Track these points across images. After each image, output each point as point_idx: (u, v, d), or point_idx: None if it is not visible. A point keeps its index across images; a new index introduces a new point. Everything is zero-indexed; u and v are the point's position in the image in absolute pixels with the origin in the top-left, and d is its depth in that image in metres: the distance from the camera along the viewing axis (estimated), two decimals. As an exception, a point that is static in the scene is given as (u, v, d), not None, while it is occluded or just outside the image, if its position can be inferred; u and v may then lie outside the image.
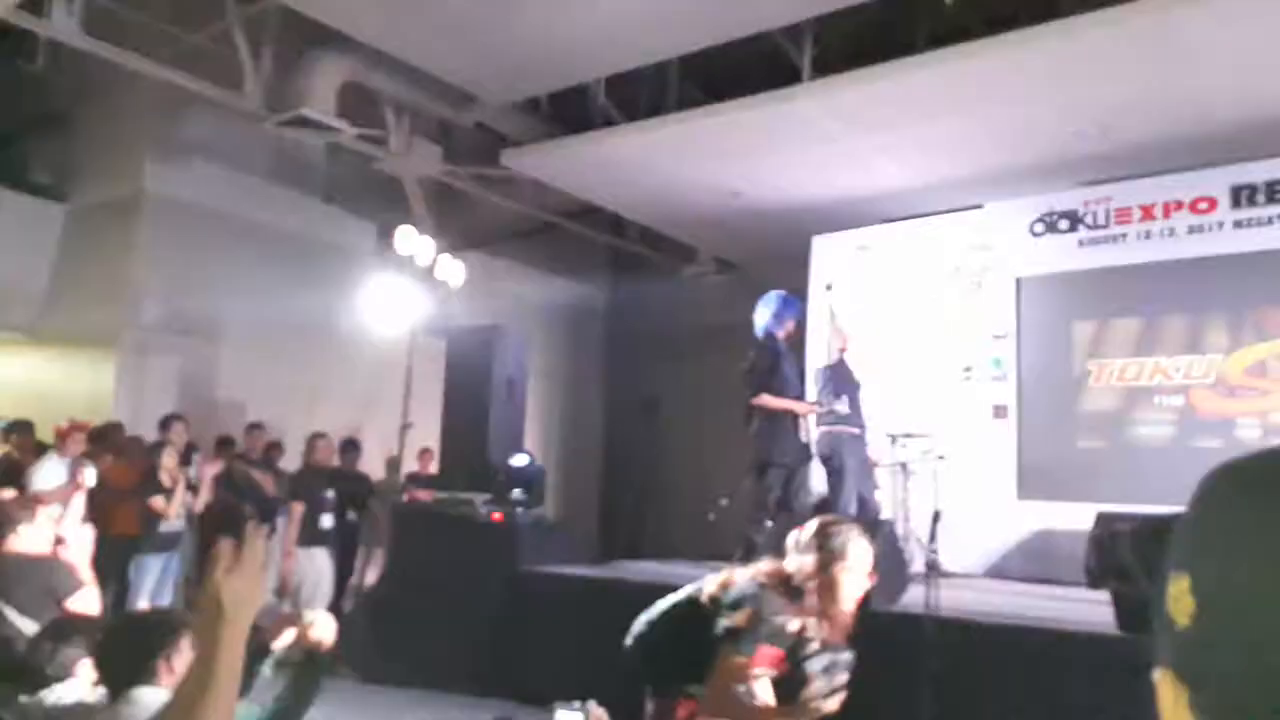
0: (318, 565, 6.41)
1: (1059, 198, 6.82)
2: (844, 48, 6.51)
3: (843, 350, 6.05)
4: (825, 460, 5.67)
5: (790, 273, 8.48)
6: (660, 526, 10.43)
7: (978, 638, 4.01)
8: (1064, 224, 6.81)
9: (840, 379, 5.82)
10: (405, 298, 6.95)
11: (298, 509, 6.38)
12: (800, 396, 5.71)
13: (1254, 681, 0.36)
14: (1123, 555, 3.68)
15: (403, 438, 7.11)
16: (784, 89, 6.48)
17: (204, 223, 8.07)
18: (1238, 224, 6.16)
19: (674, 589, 5.33)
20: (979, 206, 7.14)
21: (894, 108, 6.33)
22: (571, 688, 2.76)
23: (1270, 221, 6.07)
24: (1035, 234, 6.90)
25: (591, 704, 1.99)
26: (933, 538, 4.26)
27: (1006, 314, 6.94)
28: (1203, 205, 6.28)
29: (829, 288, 7.60)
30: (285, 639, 2.28)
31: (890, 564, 4.51)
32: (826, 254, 8.06)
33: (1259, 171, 6.13)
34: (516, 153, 7.78)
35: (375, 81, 7.35)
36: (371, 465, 7.92)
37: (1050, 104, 6.06)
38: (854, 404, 5.75)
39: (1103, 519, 5.43)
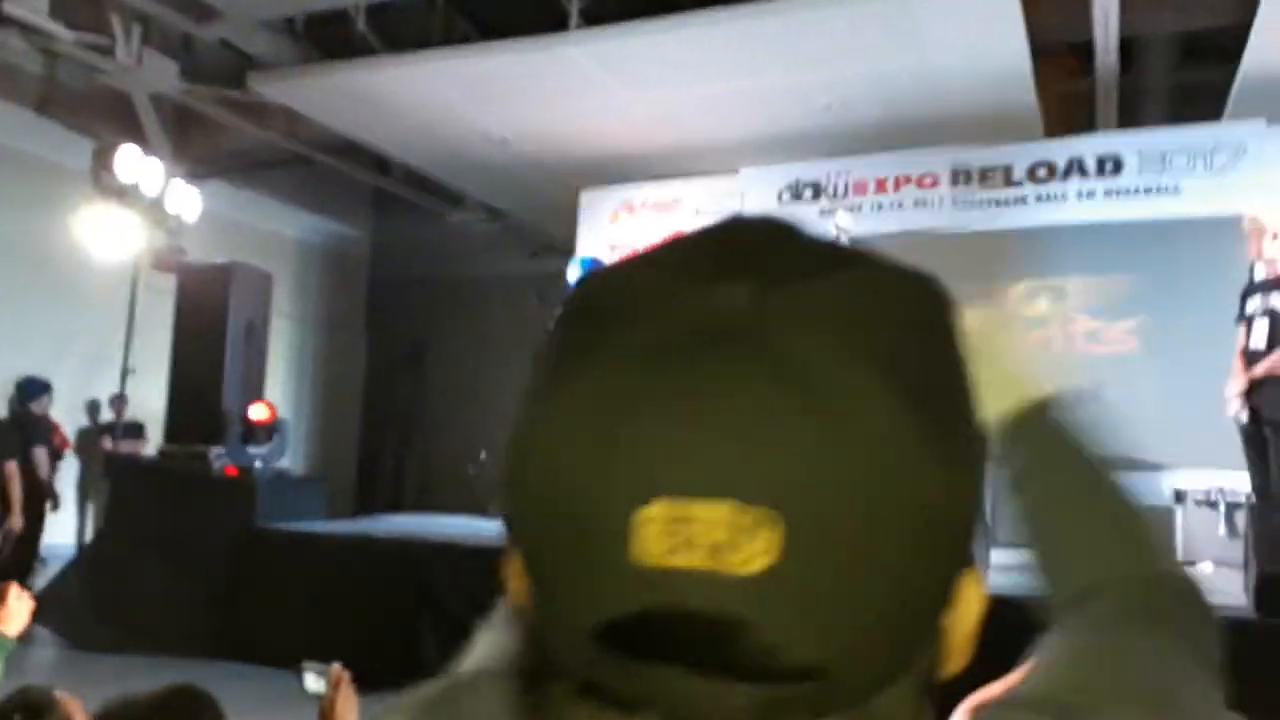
0: None
1: (806, 168, 7.24)
2: (617, 1, 6.50)
3: None
4: None
5: (561, 224, 8.49)
6: (423, 480, 10.24)
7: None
8: (809, 193, 7.25)
9: None
10: (127, 227, 6.28)
11: None
12: None
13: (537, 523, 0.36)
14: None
15: (124, 383, 6.48)
16: (553, 35, 6.40)
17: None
18: (955, 202, 6.81)
19: (428, 545, 5.27)
20: (735, 171, 7.43)
21: (661, 65, 6.42)
22: (310, 647, 2.64)
23: (983, 203, 6.76)
24: (783, 201, 7.29)
25: (335, 666, 1.93)
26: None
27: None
28: (927, 181, 6.89)
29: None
30: None
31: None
32: (594, 208, 8.13)
33: (975, 157, 6.79)
34: (265, 76, 7.20)
35: (99, -18, 6.52)
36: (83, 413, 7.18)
37: (801, 76, 6.36)
38: None
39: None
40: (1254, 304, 4.58)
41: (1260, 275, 4.62)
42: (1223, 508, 5.13)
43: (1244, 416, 4.53)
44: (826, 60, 6.12)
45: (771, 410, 0.32)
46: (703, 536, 0.31)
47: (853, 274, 0.37)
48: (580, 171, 7.90)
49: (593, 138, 7.49)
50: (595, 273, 0.40)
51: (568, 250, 8.20)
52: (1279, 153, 6.07)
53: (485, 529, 5.59)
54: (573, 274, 5.99)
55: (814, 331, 0.33)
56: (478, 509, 7.07)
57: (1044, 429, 0.64)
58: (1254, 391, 4.49)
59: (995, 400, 0.63)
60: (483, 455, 6.44)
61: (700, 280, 0.35)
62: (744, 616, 0.31)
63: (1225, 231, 6.15)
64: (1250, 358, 4.52)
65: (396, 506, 9.33)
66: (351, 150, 8.57)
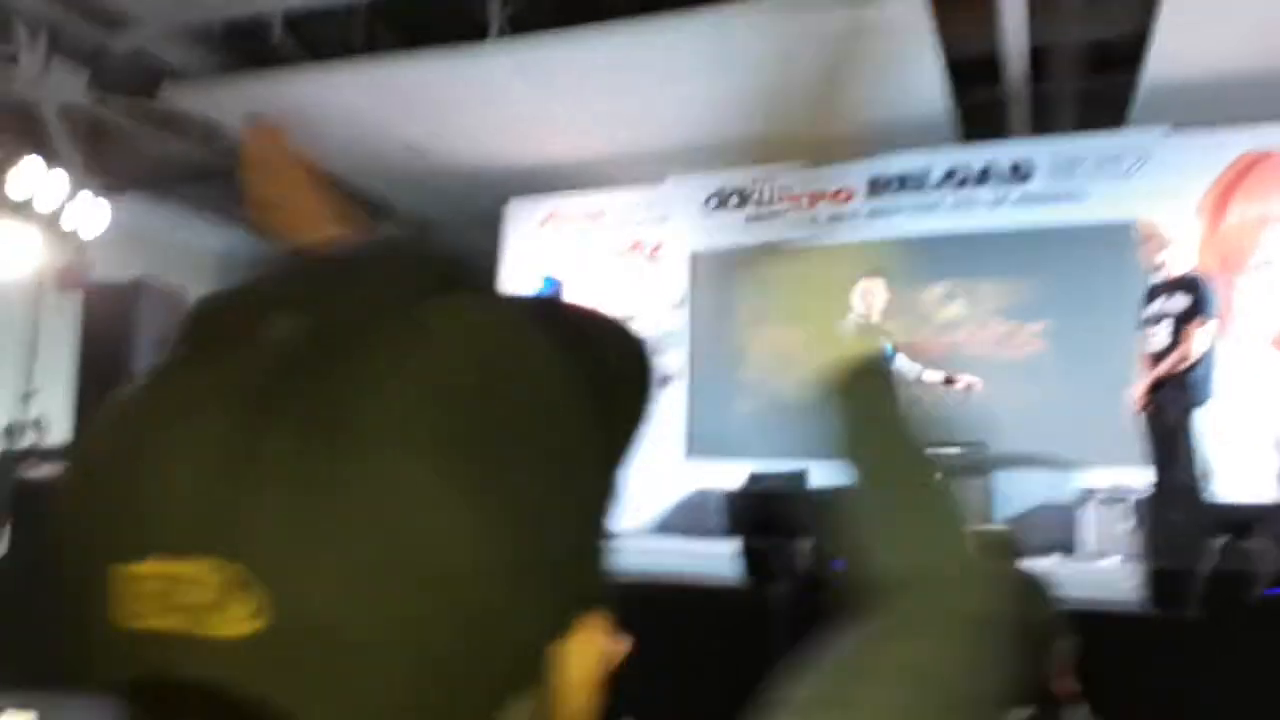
0: None
1: (732, 176, 7.29)
2: (540, 10, 6.49)
3: None
4: None
5: (488, 236, 8.43)
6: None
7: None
8: (735, 200, 7.30)
9: None
10: (27, 243, 6.07)
11: None
12: None
13: None
14: (741, 511, 4.03)
15: (25, 406, 6.25)
16: (475, 44, 6.36)
17: None
18: (872, 213, 6.92)
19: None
20: (662, 180, 7.46)
21: (584, 75, 6.42)
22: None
23: (900, 210, 6.88)
24: (709, 209, 7.34)
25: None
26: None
27: (682, 285, 7.35)
28: (843, 194, 6.99)
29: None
30: None
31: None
32: (521, 219, 8.10)
33: (892, 165, 6.90)
34: (180, 87, 7.04)
35: (2, -11, 6.30)
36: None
37: (725, 85, 6.40)
38: None
39: (754, 478, 5.92)
40: (1154, 307, 4.71)
41: (1157, 279, 4.76)
42: (1128, 504, 5.26)
43: (1148, 416, 4.65)
44: (749, 70, 6.16)
45: (271, 463, 0.29)
46: (184, 597, 0.29)
47: (445, 309, 0.34)
48: (506, 182, 7.87)
49: (517, 147, 7.46)
50: (208, 295, 0.37)
51: (494, 261, 8.18)
52: (1179, 159, 6.29)
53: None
54: (534, 289, 6.02)
55: (350, 375, 0.31)
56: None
57: (865, 392, 0.59)
58: (1156, 392, 4.62)
59: (815, 354, 0.60)
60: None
61: (266, 313, 0.33)
62: (229, 682, 0.29)
63: (1129, 237, 6.36)
64: (1153, 360, 4.65)
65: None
66: (273, 161, 8.39)
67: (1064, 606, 2.61)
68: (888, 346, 5.49)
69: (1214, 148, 6.28)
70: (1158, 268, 4.71)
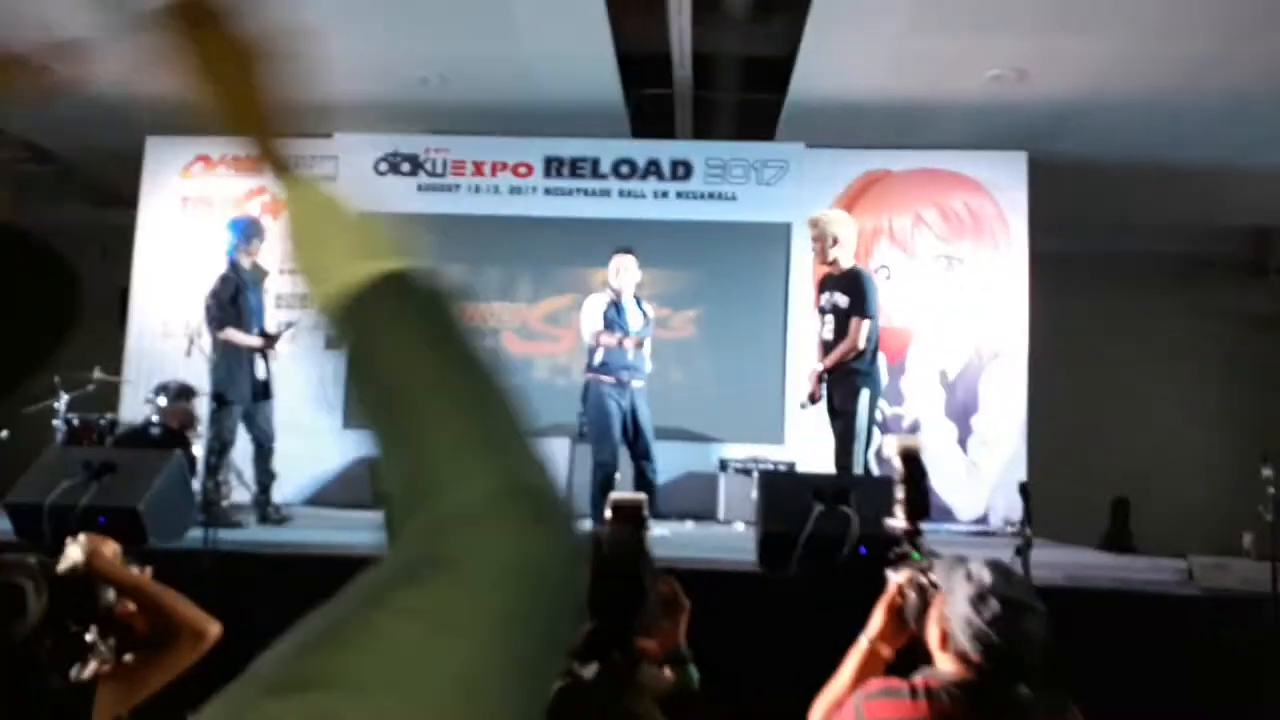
0: None
1: (404, 141, 7.09)
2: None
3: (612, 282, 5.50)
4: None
5: (126, 174, 7.54)
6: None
7: (251, 568, 4.01)
8: (406, 167, 7.11)
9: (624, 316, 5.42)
10: None
11: None
12: (263, 329, 5.28)
13: None
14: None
15: None
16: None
17: None
18: (548, 191, 7.08)
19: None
20: (329, 135, 7.06)
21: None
22: None
23: (572, 193, 7.10)
24: (380, 172, 7.08)
25: None
26: (214, 470, 4.10)
27: (348, 248, 7.02)
28: (523, 170, 7.10)
29: None
30: None
31: (175, 499, 4.25)
32: (163, 158, 7.29)
33: (567, 148, 7.11)
34: None
35: None
36: None
37: (397, 45, 6.19)
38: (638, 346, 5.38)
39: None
40: (824, 299, 4.95)
41: (825, 274, 5.02)
42: (756, 475, 5.81)
43: (818, 400, 4.91)
44: (423, 33, 6.01)
45: None
46: None
47: None
48: (147, 116, 7.01)
49: (160, 79, 6.67)
50: None
51: (135, 202, 7.34)
52: (814, 172, 7.09)
53: None
54: (227, 235, 5.46)
55: None
56: None
57: (399, 300, 0.55)
58: (825, 380, 4.89)
59: (340, 263, 0.54)
60: (3, 434, 5.49)
61: None
62: None
63: (771, 236, 7.05)
64: (823, 349, 4.90)
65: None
66: None
67: (679, 567, 2.82)
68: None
69: (842, 164, 7.14)
70: (831, 264, 4.92)
